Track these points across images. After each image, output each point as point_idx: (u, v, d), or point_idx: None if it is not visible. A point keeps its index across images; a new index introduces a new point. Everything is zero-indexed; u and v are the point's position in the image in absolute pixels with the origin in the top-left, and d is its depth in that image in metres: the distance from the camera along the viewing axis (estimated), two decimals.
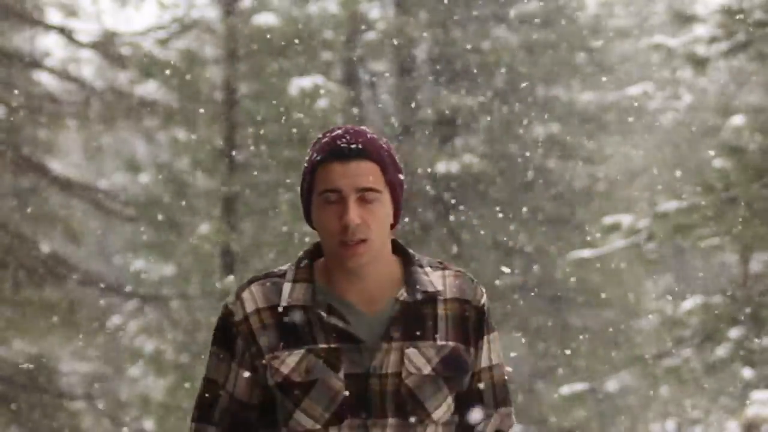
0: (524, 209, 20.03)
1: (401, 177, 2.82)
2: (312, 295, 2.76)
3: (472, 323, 2.83)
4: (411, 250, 2.86)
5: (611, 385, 21.36)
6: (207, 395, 2.83)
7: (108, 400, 14.57)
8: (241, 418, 2.81)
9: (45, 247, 13.67)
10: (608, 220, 13.70)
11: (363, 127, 2.86)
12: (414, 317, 2.78)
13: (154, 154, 17.70)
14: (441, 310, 2.81)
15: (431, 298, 2.80)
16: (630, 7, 26.90)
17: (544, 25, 20.74)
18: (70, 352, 17.09)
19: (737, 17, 12.46)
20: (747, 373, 13.86)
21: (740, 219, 12.20)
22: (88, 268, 15.26)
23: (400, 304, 2.76)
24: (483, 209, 19.92)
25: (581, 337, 20.11)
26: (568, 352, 19.54)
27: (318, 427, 2.72)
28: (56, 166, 16.50)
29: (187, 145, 16.63)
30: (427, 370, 2.76)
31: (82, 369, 20.09)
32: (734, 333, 13.13)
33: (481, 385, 2.87)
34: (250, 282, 2.82)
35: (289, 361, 2.73)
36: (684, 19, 13.57)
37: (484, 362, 2.87)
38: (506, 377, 2.93)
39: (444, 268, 2.87)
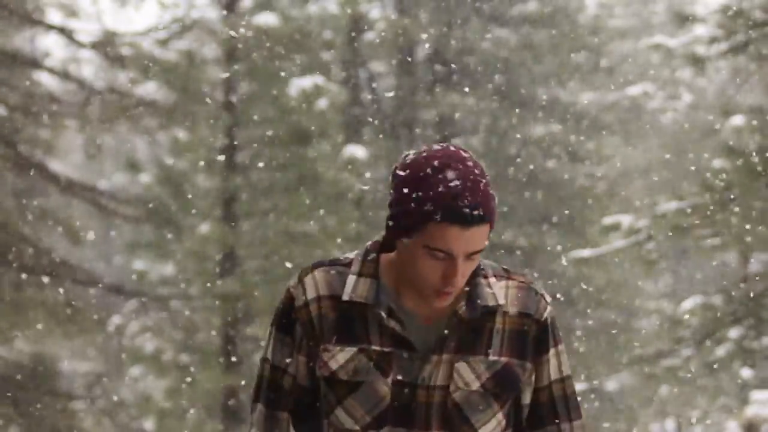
0: (524, 209, 20.03)
1: None
2: (376, 294, 2.68)
3: (533, 337, 2.74)
4: (480, 259, 2.75)
5: (611, 385, 21.37)
6: (271, 379, 2.75)
7: (108, 400, 14.57)
8: (305, 402, 2.75)
9: (45, 247, 13.67)
10: (608, 220, 13.69)
11: (474, 169, 2.63)
12: (469, 330, 2.69)
13: (154, 154, 17.71)
14: (499, 323, 2.71)
15: (491, 312, 2.71)
16: (630, 8, 26.90)
17: (544, 25, 20.75)
18: (70, 352, 17.10)
19: (737, 17, 12.47)
20: (746, 373, 13.87)
21: (740, 219, 12.20)
22: (88, 268, 15.27)
23: (457, 318, 2.68)
24: None
25: (581, 337, 20.11)
26: (568, 352, 19.54)
27: (357, 428, 2.67)
28: (56, 166, 16.50)
29: (187, 145, 16.63)
30: (475, 385, 2.68)
31: (83, 369, 20.10)
32: (734, 333, 13.13)
33: (554, 397, 2.78)
34: (315, 266, 2.73)
35: (339, 358, 2.67)
36: (684, 20, 13.57)
37: (554, 374, 2.77)
38: (574, 387, 2.84)
39: (508, 278, 2.77)
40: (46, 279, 13.29)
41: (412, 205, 2.58)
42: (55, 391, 13.75)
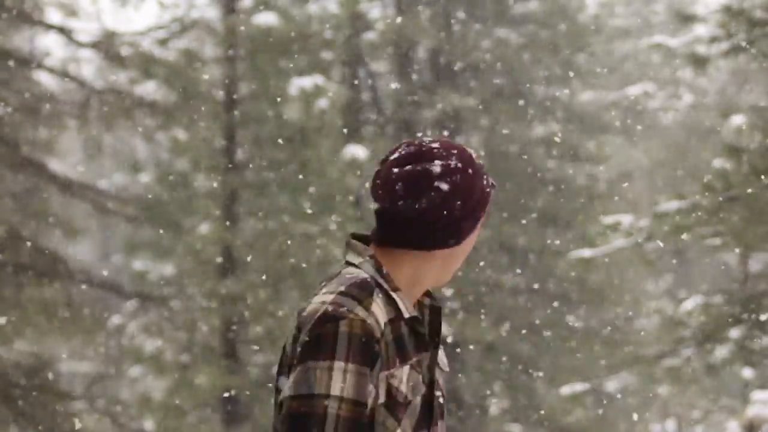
0: (524, 209, 20.02)
1: None
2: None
3: None
4: None
5: (611, 385, 21.35)
6: (355, 419, 2.51)
7: (108, 400, 14.55)
8: None
9: (45, 247, 13.66)
10: (608, 220, 13.69)
11: None
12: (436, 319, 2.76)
13: (154, 154, 17.70)
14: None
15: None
16: (630, 7, 26.90)
17: (544, 25, 20.74)
18: (70, 352, 17.09)
19: (738, 17, 12.46)
20: (747, 373, 13.87)
21: (740, 219, 12.19)
22: (88, 268, 15.25)
23: (431, 308, 2.74)
24: None
25: (581, 337, 20.10)
26: (568, 352, 19.54)
27: None
28: (56, 165, 16.49)
29: (186, 145, 16.63)
30: (447, 367, 2.78)
31: (82, 369, 20.10)
32: (734, 333, 13.12)
33: None
34: (364, 291, 2.58)
35: (404, 378, 2.58)
36: (684, 19, 13.57)
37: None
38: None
39: None
40: (45, 279, 13.28)
41: (485, 187, 2.68)
42: (55, 391, 13.73)
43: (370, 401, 2.52)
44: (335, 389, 2.48)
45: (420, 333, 2.63)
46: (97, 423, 14.32)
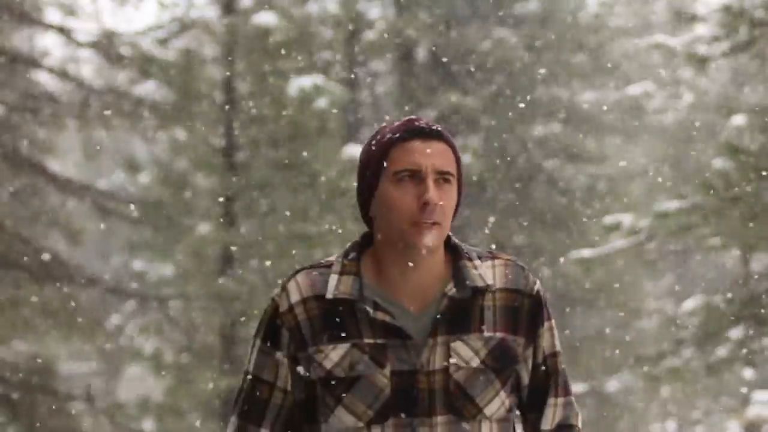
0: (524, 209, 20.01)
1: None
2: (359, 289, 2.67)
3: (526, 312, 2.74)
4: (461, 243, 2.78)
5: (612, 385, 21.34)
6: (253, 392, 2.73)
7: (107, 400, 14.55)
8: (289, 414, 2.73)
9: (44, 248, 13.65)
10: (608, 220, 13.67)
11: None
12: (461, 311, 2.69)
13: (153, 154, 17.68)
14: (489, 301, 2.71)
15: (480, 291, 2.71)
16: (630, 7, 26.88)
17: (544, 25, 20.73)
18: (69, 353, 17.09)
19: (738, 16, 12.44)
20: (748, 373, 13.86)
21: (740, 219, 12.18)
22: (87, 268, 15.25)
23: (448, 300, 2.67)
24: (483, 209, 19.89)
25: (581, 336, 20.09)
26: (569, 352, 19.53)
27: (360, 425, 2.63)
28: (55, 165, 16.48)
29: (186, 145, 16.62)
30: (475, 362, 2.67)
31: (82, 369, 20.09)
32: (735, 333, 13.11)
33: (549, 373, 2.79)
34: (296, 272, 2.74)
35: (333, 356, 2.65)
36: (685, 19, 13.56)
37: (547, 349, 2.78)
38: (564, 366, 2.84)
39: (494, 258, 2.78)
40: (44, 279, 13.27)
41: (373, 148, 2.71)
42: (54, 391, 13.73)
43: (281, 381, 2.70)
44: (248, 364, 2.76)
45: (378, 319, 2.64)
46: (97, 423, 14.32)
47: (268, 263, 15.96)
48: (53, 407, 13.34)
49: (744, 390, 16.05)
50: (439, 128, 2.73)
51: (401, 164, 2.66)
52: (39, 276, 13.27)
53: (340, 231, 15.71)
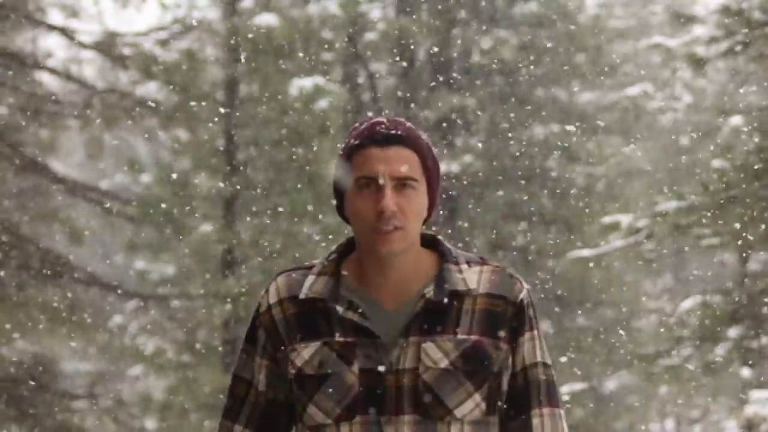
0: (524, 209, 20.06)
1: (439, 170, 2.77)
2: (332, 289, 2.71)
3: (508, 318, 2.72)
4: (450, 246, 2.78)
5: (611, 384, 21.39)
6: (234, 392, 2.82)
7: (109, 400, 14.60)
8: (268, 413, 2.78)
9: (46, 247, 13.70)
10: (607, 220, 13.71)
11: (401, 118, 2.78)
12: (437, 313, 2.69)
13: (155, 154, 17.74)
14: (468, 305, 2.70)
15: (460, 295, 2.71)
16: (630, 8, 26.93)
17: (543, 26, 20.78)
18: (71, 352, 17.13)
19: (736, 17, 12.49)
20: (746, 372, 13.90)
21: (739, 219, 12.22)
22: (89, 268, 15.30)
23: (424, 301, 2.68)
24: (483, 209, 19.95)
25: (581, 336, 20.14)
26: (568, 351, 19.57)
27: (329, 421, 2.67)
28: (58, 166, 16.54)
29: (188, 146, 16.67)
30: (444, 363, 2.67)
31: (84, 368, 20.13)
32: (733, 332, 13.15)
33: (529, 382, 2.76)
34: (278, 274, 2.80)
35: (305, 354, 2.70)
36: (683, 20, 13.60)
37: (528, 359, 2.76)
38: (553, 376, 2.82)
39: (483, 264, 2.77)
40: (47, 279, 13.32)
41: (340, 153, 2.74)
42: (56, 390, 13.78)
43: (256, 379, 2.77)
44: (235, 366, 2.84)
45: (347, 318, 2.68)
46: (99, 422, 14.36)
47: (268, 263, 16.02)
48: (56, 406, 13.39)
49: (742, 389, 16.10)
50: (400, 132, 2.69)
51: (360, 171, 2.67)
52: (42, 275, 13.32)
53: (339, 231, 15.76)
